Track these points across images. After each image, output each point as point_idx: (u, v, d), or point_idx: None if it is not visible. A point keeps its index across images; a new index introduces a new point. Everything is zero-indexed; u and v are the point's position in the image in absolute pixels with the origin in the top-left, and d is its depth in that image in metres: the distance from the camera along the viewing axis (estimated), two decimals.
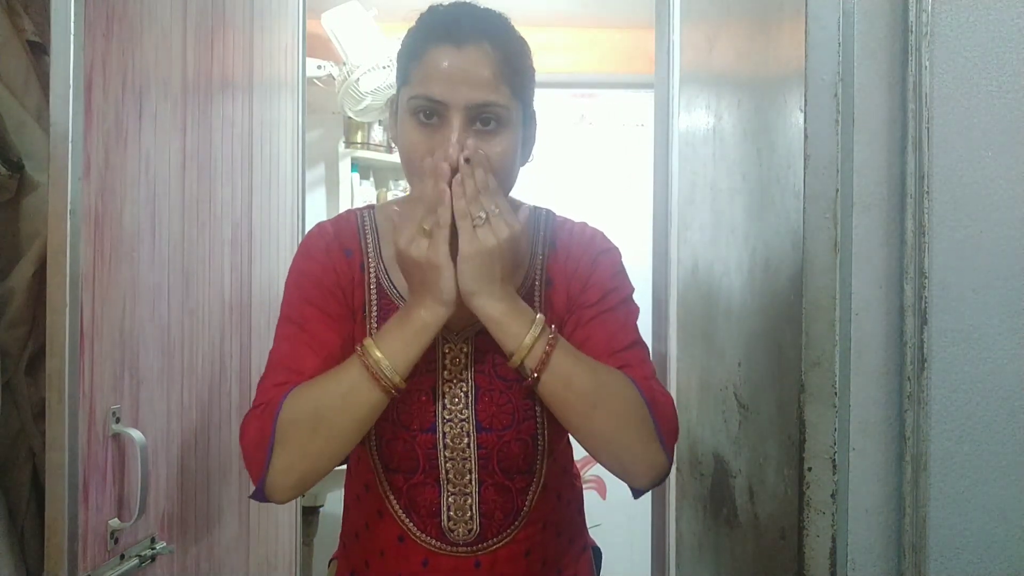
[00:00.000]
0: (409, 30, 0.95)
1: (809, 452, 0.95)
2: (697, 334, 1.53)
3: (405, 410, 0.97)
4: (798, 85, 0.96)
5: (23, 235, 1.15)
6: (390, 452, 0.99)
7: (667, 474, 0.96)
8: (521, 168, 0.98)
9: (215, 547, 1.41)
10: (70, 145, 0.97)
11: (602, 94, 3.06)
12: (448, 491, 0.99)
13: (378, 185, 2.99)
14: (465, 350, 0.98)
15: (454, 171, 0.86)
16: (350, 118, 2.76)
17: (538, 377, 0.88)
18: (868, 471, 0.95)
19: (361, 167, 2.89)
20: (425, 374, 0.97)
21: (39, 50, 1.20)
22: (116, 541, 1.09)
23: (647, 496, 1.93)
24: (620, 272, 1.03)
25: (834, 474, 0.95)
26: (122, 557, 1.10)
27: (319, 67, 2.61)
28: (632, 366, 0.96)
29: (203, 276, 1.35)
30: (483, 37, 0.89)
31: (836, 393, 0.95)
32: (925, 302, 0.92)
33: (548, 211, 1.07)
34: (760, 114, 1.14)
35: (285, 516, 1.77)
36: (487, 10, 0.95)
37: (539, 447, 1.00)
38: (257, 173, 1.57)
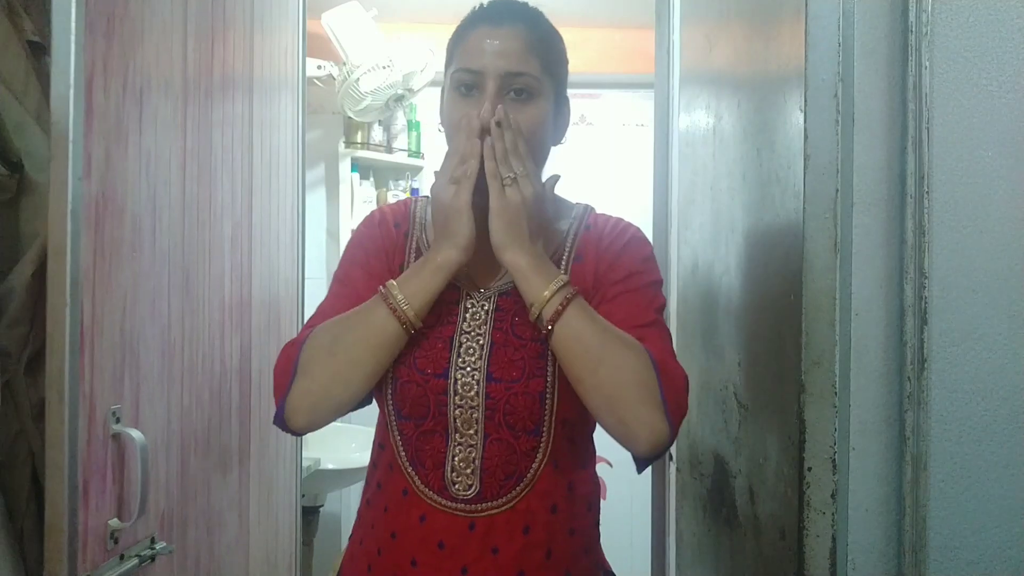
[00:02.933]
0: (459, 24, 1.05)
1: (809, 452, 0.95)
2: (697, 334, 1.53)
3: (422, 355, 1.01)
4: (798, 85, 0.96)
5: (23, 235, 1.15)
6: (403, 395, 1.01)
7: (668, 445, 0.96)
8: (553, 147, 1.05)
9: (215, 547, 1.41)
10: (70, 145, 0.97)
11: (602, 94, 3.06)
12: (455, 440, 1.00)
13: (378, 185, 2.99)
14: (486, 307, 1.02)
15: (485, 131, 0.95)
16: (350, 118, 2.76)
17: (552, 329, 0.93)
18: (868, 471, 0.95)
19: (361, 167, 2.89)
20: (446, 325, 1.02)
21: (39, 50, 1.20)
22: (116, 541, 1.09)
23: (647, 496, 1.94)
24: (650, 259, 1.06)
25: (834, 474, 0.95)
26: (122, 557, 1.10)
27: (319, 67, 2.61)
28: (648, 340, 0.97)
29: (203, 276, 1.34)
30: (519, 20, 1.00)
31: (836, 393, 0.95)
32: (925, 302, 0.92)
33: (588, 205, 1.13)
34: (760, 114, 1.14)
35: (285, 516, 1.77)
36: (527, 4, 1.04)
37: (546, 406, 0.99)
38: (257, 173, 1.57)
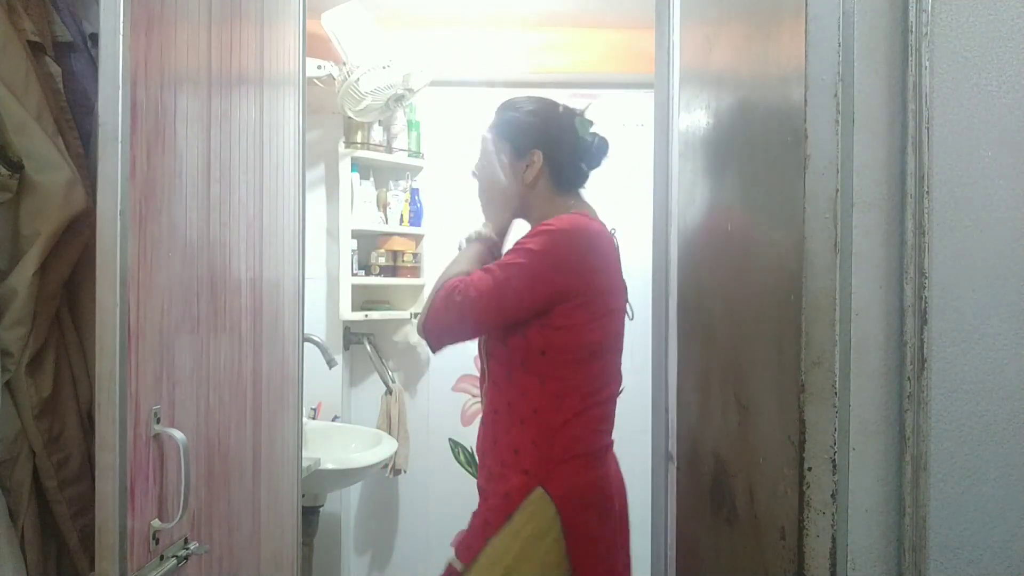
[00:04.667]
0: None
1: (809, 452, 0.95)
2: (697, 334, 1.53)
3: None
4: (798, 85, 0.96)
5: (23, 235, 1.15)
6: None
7: (425, 339, 1.52)
8: (519, 180, 1.64)
9: (235, 547, 1.41)
10: (119, 145, 0.97)
11: (602, 94, 3.06)
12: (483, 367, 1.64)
13: (378, 185, 2.99)
14: None
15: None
16: (350, 118, 2.76)
17: None
18: (868, 471, 0.95)
19: (361, 167, 2.89)
20: None
21: (39, 50, 1.20)
22: (157, 542, 1.09)
23: (647, 496, 1.94)
24: (534, 237, 1.50)
25: (834, 474, 0.95)
26: (162, 558, 1.10)
27: (319, 67, 2.61)
28: (472, 276, 1.49)
29: (225, 277, 1.35)
30: (499, 111, 1.67)
31: (836, 393, 0.95)
32: (925, 302, 0.92)
33: (569, 215, 1.57)
34: (760, 114, 1.14)
35: (287, 516, 1.77)
36: (513, 98, 1.67)
37: (485, 347, 1.59)
38: (267, 173, 1.58)
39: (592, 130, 1.66)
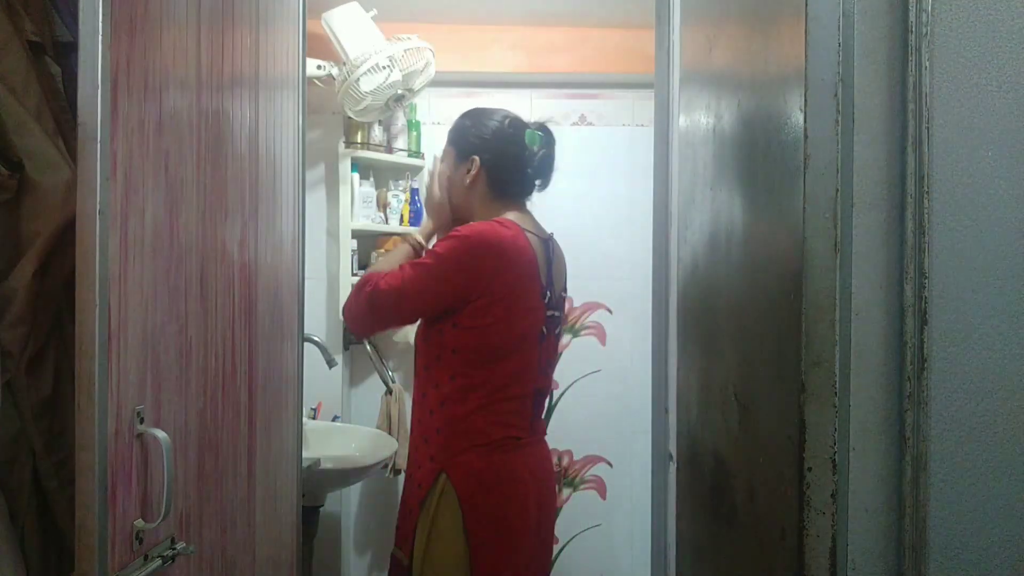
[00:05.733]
0: None
1: (809, 452, 0.95)
2: (697, 334, 1.53)
3: None
4: (798, 85, 0.96)
5: (23, 235, 1.15)
6: None
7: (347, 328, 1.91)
8: (465, 180, 1.77)
9: (227, 547, 1.41)
10: (98, 145, 0.97)
11: (602, 94, 3.06)
12: None
13: (378, 185, 2.99)
14: None
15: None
16: (350, 118, 2.76)
17: None
18: (868, 471, 0.95)
19: (361, 167, 2.89)
20: None
21: (39, 50, 1.20)
22: (140, 541, 1.08)
23: (647, 496, 1.94)
24: (444, 241, 1.65)
25: (834, 474, 0.95)
26: (146, 558, 1.10)
27: (319, 67, 2.61)
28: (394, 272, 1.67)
29: (216, 277, 1.34)
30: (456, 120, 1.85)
31: (836, 393, 0.95)
32: (925, 302, 0.93)
33: (487, 222, 1.67)
34: (760, 114, 1.14)
35: (286, 516, 1.77)
36: (470, 110, 1.84)
37: (414, 345, 1.76)
38: (263, 173, 1.58)
39: (540, 144, 1.76)
